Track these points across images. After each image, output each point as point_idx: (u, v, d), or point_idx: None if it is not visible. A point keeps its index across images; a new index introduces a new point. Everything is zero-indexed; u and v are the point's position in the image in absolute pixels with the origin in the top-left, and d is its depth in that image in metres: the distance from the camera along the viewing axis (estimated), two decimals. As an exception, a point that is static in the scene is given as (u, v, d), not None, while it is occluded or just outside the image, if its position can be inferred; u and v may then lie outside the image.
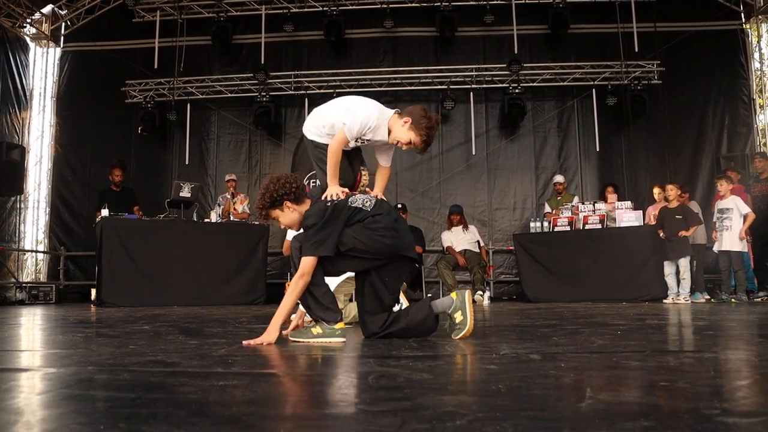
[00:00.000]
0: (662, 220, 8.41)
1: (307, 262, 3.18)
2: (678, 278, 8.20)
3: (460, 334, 3.27)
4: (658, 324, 4.31)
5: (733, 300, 8.14)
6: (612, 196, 9.61)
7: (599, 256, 8.80)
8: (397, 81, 12.12)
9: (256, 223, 9.35)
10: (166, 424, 1.33)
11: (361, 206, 3.34)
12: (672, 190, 8.49)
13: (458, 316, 3.32)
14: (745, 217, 8.25)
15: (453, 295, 3.39)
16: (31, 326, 4.91)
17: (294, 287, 3.20)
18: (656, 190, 9.41)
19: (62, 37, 12.98)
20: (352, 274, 3.63)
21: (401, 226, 3.47)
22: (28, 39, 12.67)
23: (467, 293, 3.40)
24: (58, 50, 13.01)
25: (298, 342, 3.23)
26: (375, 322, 3.34)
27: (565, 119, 12.15)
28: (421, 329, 3.35)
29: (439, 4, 11.68)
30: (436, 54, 12.41)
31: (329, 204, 3.29)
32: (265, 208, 3.40)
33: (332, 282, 4.14)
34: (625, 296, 8.27)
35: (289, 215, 3.39)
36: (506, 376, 1.98)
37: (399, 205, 10.09)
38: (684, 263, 8.15)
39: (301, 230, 3.37)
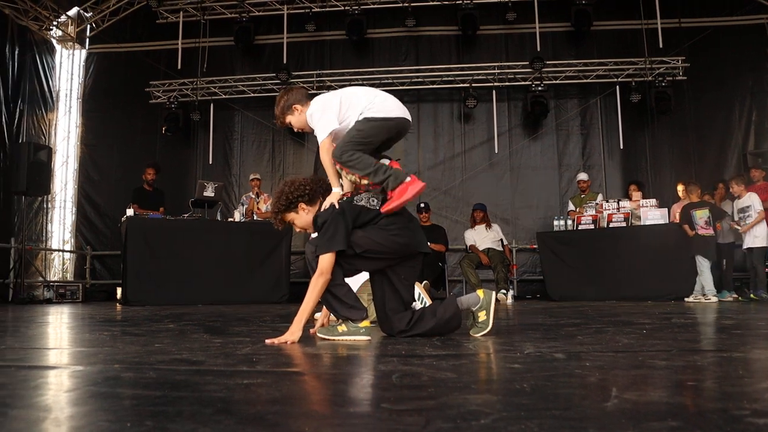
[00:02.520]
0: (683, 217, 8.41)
1: (325, 260, 3.20)
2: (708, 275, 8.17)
3: (480, 333, 3.31)
4: (684, 323, 4.26)
5: (752, 296, 8.08)
6: (636, 194, 9.51)
7: (624, 255, 8.72)
8: (419, 80, 12.10)
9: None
10: (192, 422, 1.34)
11: (366, 204, 3.37)
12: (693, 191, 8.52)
13: (482, 315, 3.34)
14: (759, 213, 8.23)
15: (480, 293, 3.40)
16: (59, 324, 4.97)
17: (314, 285, 3.22)
18: (680, 188, 9.31)
19: (87, 39, 13.14)
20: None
21: (414, 225, 3.50)
22: (54, 41, 12.85)
23: (494, 294, 3.42)
24: (84, 52, 13.17)
25: (325, 339, 3.25)
26: (401, 320, 3.35)
27: (588, 117, 12.06)
28: (447, 327, 3.36)
29: (461, 2, 11.63)
30: (458, 52, 12.37)
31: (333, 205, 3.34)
32: (281, 212, 3.48)
33: (354, 282, 4.15)
34: (650, 295, 8.19)
35: (303, 217, 3.46)
36: (531, 375, 1.97)
37: (422, 204, 10.09)
38: (700, 260, 8.12)
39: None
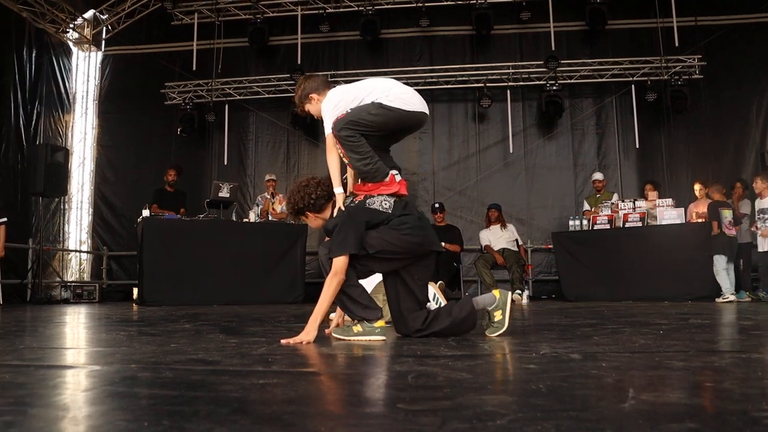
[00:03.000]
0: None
1: (338, 261, 3.22)
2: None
3: (496, 333, 3.31)
4: (702, 323, 4.22)
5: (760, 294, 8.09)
6: (652, 194, 9.44)
7: (640, 255, 8.67)
8: (433, 80, 12.09)
9: (294, 223, 9.41)
10: (208, 421, 1.35)
11: (379, 208, 3.38)
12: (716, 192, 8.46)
13: (498, 315, 3.34)
14: None
15: (496, 293, 3.40)
16: (76, 324, 5.00)
17: (328, 286, 3.23)
18: (697, 187, 9.24)
19: (103, 42, 13.25)
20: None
21: (425, 224, 3.51)
22: (70, 44, 12.96)
23: (510, 295, 3.42)
24: (100, 54, 13.27)
25: (340, 339, 3.26)
26: (416, 320, 3.35)
27: (603, 116, 12.00)
28: (462, 327, 3.36)
29: (475, 2, 11.59)
30: (472, 52, 12.35)
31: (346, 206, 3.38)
32: (292, 215, 3.60)
33: (369, 283, 4.16)
34: (666, 295, 8.14)
35: (313, 221, 3.55)
36: (547, 376, 1.96)
37: (437, 205, 10.08)
38: (718, 260, 8.08)
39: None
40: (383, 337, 3.24)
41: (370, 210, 3.36)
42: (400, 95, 3.51)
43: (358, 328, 3.27)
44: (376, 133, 3.49)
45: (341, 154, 3.53)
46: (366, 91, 3.54)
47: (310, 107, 3.74)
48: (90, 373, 2.21)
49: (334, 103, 3.56)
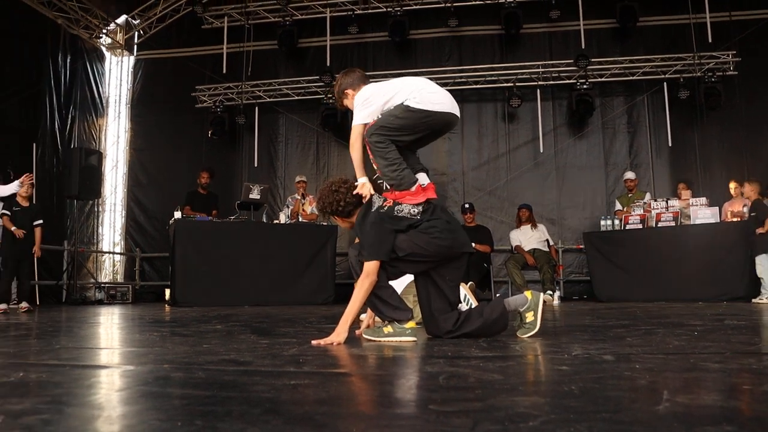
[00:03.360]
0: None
1: (370, 264, 3.24)
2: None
3: (528, 334, 3.30)
4: (738, 324, 4.15)
5: None
6: (686, 193, 9.30)
7: (673, 255, 8.54)
8: (463, 80, 12.04)
9: (325, 224, 9.45)
10: (241, 422, 1.36)
11: (408, 216, 3.37)
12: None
13: (530, 316, 3.33)
14: None
15: (528, 294, 3.39)
16: (110, 325, 5.08)
17: (360, 287, 3.25)
18: (732, 185, 9.08)
19: (135, 46, 13.43)
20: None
21: (454, 226, 3.50)
22: (104, 49, 13.18)
23: (541, 296, 3.41)
24: (132, 58, 13.46)
25: (370, 341, 3.26)
26: (448, 321, 3.35)
27: (635, 114, 11.84)
28: (493, 328, 3.35)
29: (503, 1, 11.52)
30: (501, 52, 12.28)
31: (374, 211, 3.38)
32: (321, 214, 3.67)
33: (398, 285, 4.16)
34: (701, 296, 8.01)
35: (341, 223, 3.61)
36: (579, 377, 1.94)
37: (467, 205, 10.04)
38: (761, 258, 7.93)
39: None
40: (414, 339, 3.24)
41: (399, 218, 3.36)
42: (429, 96, 3.50)
43: (388, 329, 3.28)
44: (406, 137, 3.50)
45: (371, 159, 3.57)
46: (395, 90, 3.55)
47: (346, 102, 3.80)
48: (124, 373, 2.25)
49: (364, 98, 3.60)
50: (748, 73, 11.17)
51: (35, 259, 8.55)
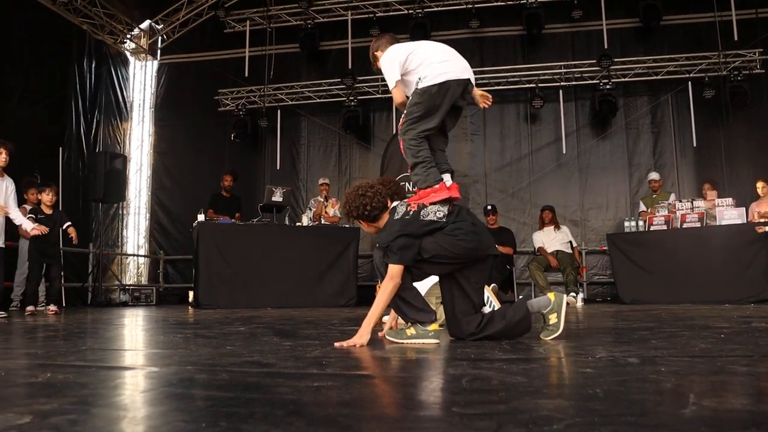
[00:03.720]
0: None
1: (394, 268, 3.24)
2: None
3: (551, 336, 3.29)
4: (766, 327, 4.09)
5: None
6: (711, 193, 9.18)
7: (699, 256, 8.43)
8: (485, 81, 11.98)
9: (347, 226, 9.47)
10: (264, 423, 1.36)
11: (434, 219, 3.37)
12: None
13: (553, 318, 3.31)
14: None
15: (551, 295, 3.37)
16: (134, 327, 5.13)
17: (384, 290, 3.25)
18: (760, 185, 8.95)
19: (159, 51, 13.58)
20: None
21: (480, 228, 3.50)
22: (128, 53, 13.32)
23: (565, 297, 3.39)
24: (156, 63, 13.60)
25: (393, 342, 3.26)
26: (470, 323, 3.34)
27: (659, 114, 11.73)
28: (516, 330, 3.33)
29: (525, 1, 11.47)
30: (523, 52, 12.22)
31: (400, 217, 3.39)
32: (346, 217, 3.72)
33: (422, 286, 4.16)
34: (727, 298, 7.89)
35: (366, 227, 3.60)
36: (603, 380, 1.93)
37: (489, 207, 10.01)
38: None
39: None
40: (437, 341, 3.23)
41: (425, 222, 3.36)
42: (438, 67, 3.80)
43: (411, 331, 3.28)
44: (434, 120, 3.77)
45: (403, 154, 3.86)
46: (416, 62, 3.86)
47: (378, 64, 4.12)
48: (148, 375, 2.26)
49: (388, 57, 3.96)
50: (775, 71, 11.00)
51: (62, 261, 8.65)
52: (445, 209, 3.41)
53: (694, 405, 1.52)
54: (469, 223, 3.42)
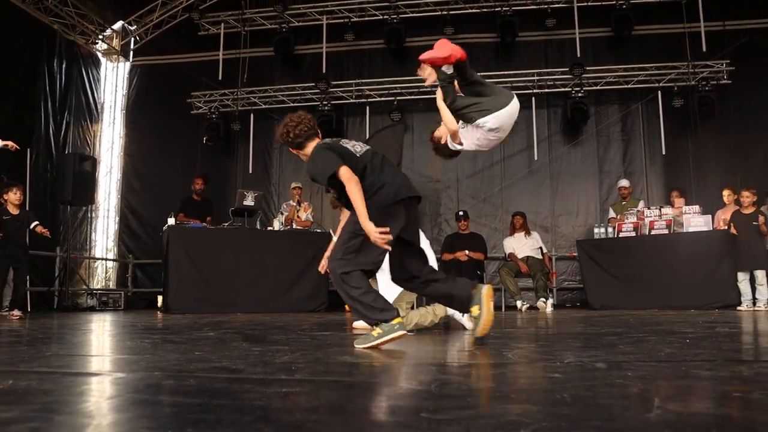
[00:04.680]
0: (735, 225, 8.20)
1: (342, 171, 3.34)
2: (754, 285, 7.97)
3: (477, 328, 3.31)
4: (730, 332, 4.16)
5: None
6: (679, 201, 9.33)
7: (666, 263, 8.56)
8: (458, 87, 12.05)
9: (319, 231, 9.43)
10: (232, 429, 1.35)
11: (350, 148, 3.54)
12: (747, 197, 8.25)
13: (475, 311, 3.33)
14: None
15: (472, 290, 3.42)
16: (101, 332, 5.06)
17: (351, 192, 3.30)
18: (726, 193, 9.10)
19: (131, 52, 13.44)
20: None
21: (388, 175, 3.54)
22: (99, 54, 13.17)
23: (485, 287, 3.39)
24: (128, 64, 13.47)
25: (364, 348, 3.25)
26: (419, 270, 3.58)
27: (629, 122, 11.88)
28: (454, 303, 3.54)
29: (499, 9, 11.58)
30: (497, 60, 12.29)
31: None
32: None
33: (392, 293, 4.17)
34: (693, 303, 8.03)
35: (295, 154, 3.83)
36: (571, 385, 1.94)
37: (461, 212, 10.07)
38: (761, 273, 7.93)
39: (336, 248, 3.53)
40: (405, 331, 3.25)
41: (343, 147, 3.57)
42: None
43: (377, 331, 3.27)
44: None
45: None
46: None
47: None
48: (115, 381, 2.24)
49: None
50: (742, 82, 11.20)
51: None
52: (362, 145, 3.63)
53: (659, 409, 1.54)
54: (375, 174, 3.49)
